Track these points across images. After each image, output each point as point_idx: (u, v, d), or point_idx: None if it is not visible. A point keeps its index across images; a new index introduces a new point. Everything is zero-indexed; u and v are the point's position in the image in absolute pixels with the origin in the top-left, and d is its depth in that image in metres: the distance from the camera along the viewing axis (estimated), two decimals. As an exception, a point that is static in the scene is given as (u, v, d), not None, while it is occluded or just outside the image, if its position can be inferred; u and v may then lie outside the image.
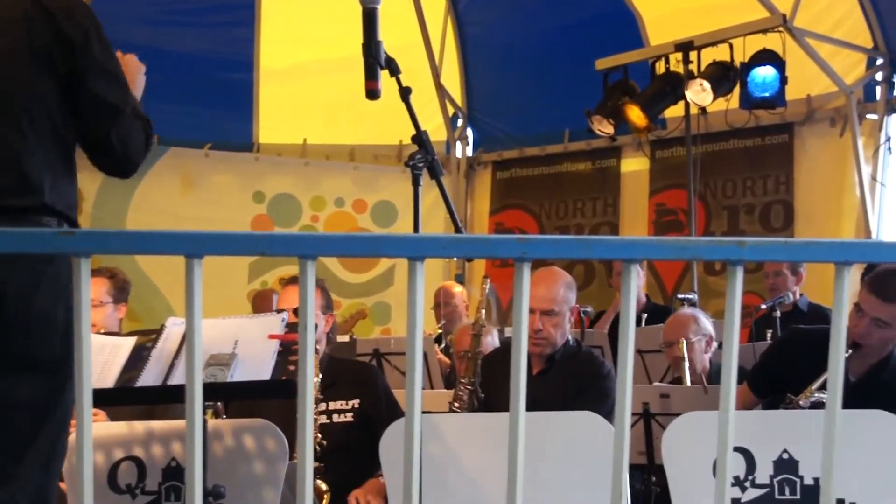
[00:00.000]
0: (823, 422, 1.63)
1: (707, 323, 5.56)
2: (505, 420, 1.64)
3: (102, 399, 3.25)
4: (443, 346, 7.40)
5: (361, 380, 4.65)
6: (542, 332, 4.72)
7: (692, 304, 6.47)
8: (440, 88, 10.81)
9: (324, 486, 4.14)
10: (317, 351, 4.60)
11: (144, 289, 9.94)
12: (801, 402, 4.03)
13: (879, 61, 8.84)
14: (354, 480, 4.40)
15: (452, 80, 10.98)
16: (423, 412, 1.69)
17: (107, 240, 1.61)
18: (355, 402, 4.57)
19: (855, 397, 3.57)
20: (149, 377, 3.17)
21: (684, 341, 5.36)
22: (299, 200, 10.84)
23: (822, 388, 3.95)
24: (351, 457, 4.48)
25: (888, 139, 8.82)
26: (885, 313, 4.18)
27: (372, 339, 7.63)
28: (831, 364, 1.63)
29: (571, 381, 4.65)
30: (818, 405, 3.98)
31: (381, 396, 4.59)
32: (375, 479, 4.37)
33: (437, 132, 10.79)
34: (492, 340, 5.90)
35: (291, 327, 3.23)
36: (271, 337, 3.19)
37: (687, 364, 5.33)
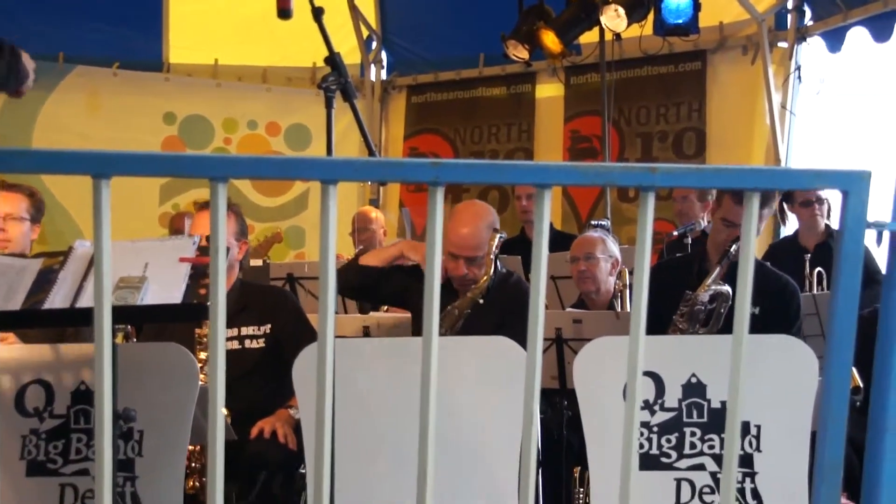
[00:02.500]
0: (730, 347, 1.66)
1: (614, 246, 5.66)
2: (418, 344, 1.64)
3: (8, 322, 3.20)
4: None
5: (273, 304, 4.62)
6: (468, 276, 4.74)
7: (606, 229, 6.53)
8: (354, 10, 10.66)
9: (224, 411, 4.13)
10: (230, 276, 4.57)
11: (53, 211, 9.76)
12: (699, 297, 4.38)
13: (790, -11, 8.92)
14: (265, 408, 4.39)
15: (367, 1, 10.85)
16: (337, 336, 1.68)
17: (11, 158, 1.57)
18: (267, 328, 4.54)
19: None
20: (56, 299, 3.12)
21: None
22: (211, 122, 10.67)
23: (715, 281, 4.40)
24: (262, 384, 4.47)
25: (798, 68, 8.93)
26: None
27: (286, 263, 7.60)
28: (739, 289, 1.65)
29: (502, 309, 4.69)
30: (717, 296, 4.38)
31: (293, 321, 4.56)
32: (285, 410, 4.36)
33: (351, 55, 10.66)
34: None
35: (203, 251, 3.19)
36: (182, 260, 3.15)
37: (604, 285, 5.52)
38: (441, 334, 4.57)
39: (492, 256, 4.75)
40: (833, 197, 6.51)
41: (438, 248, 1.62)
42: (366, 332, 5.02)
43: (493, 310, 4.71)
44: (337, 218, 1.61)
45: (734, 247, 4.39)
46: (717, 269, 4.43)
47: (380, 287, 4.91)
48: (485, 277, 4.74)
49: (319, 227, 1.60)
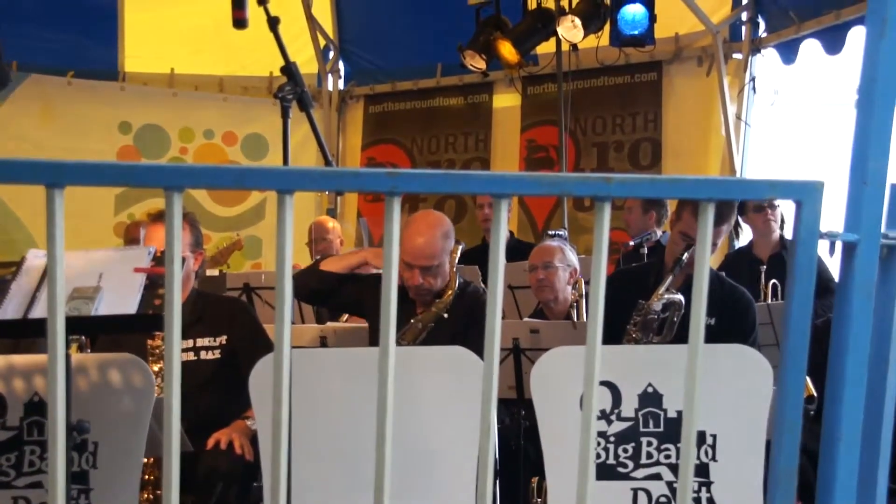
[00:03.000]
0: (686, 356, 1.67)
1: (573, 256, 5.69)
2: (375, 354, 1.64)
3: (-40, 333, 3.16)
4: None
5: (229, 315, 4.59)
6: (423, 286, 4.74)
7: (563, 239, 6.56)
8: (311, 20, 10.64)
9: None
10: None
11: (5, 220, 9.67)
12: (653, 306, 4.43)
13: (745, 1, 8.99)
14: (221, 420, 4.36)
15: (324, 11, 10.83)
16: (294, 346, 1.68)
17: (-38, 169, 1.55)
18: (223, 339, 4.51)
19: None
20: (8, 310, 3.09)
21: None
22: (167, 132, 10.60)
23: (668, 289, 4.45)
24: (218, 396, 4.44)
25: (753, 79, 9.00)
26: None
27: (242, 273, 7.56)
28: (694, 298, 1.66)
29: (460, 320, 4.72)
30: (669, 305, 4.43)
31: (249, 332, 4.54)
32: (241, 421, 4.33)
33: (308, 65, 10.64)
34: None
35: (158, 261, 3.17)
36: (137, 270, 3.13)
37: (562, 293, 5.55)
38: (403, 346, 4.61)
39: (454, 269, 4.79)
40: (787, 207, 6.56)
41: (395, 258, 1.62)
42: (323, 342, 5.00)
43: (454, 322, 4.73)
44: (294, 228, 1.61)
45: (685, 255, 4.42)
46: (670, 278, 4.46)
47: (337, 293, 4.91)
48: (449, 292, 4.78)
49: (276, 237, 1.60)
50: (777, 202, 6.73)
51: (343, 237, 7.86)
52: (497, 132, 10.47)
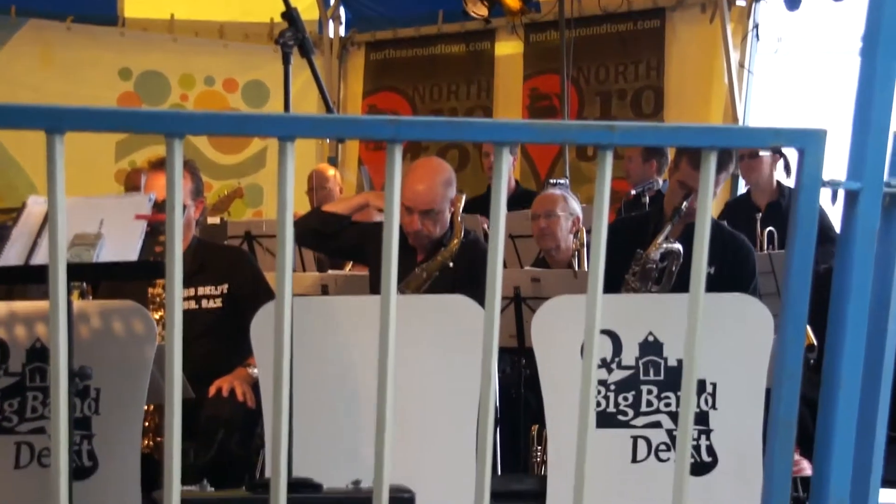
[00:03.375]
0: (687, 305, 1.67)
1: (576, 205, 5.66)
2: (376, 302, 1.64)
3: (-40, 279, 3.16)
4: None
5: (230, 264, 4.59)
6: (423, 231, 4.75)
7: (565, 188, 6.52)
8: (312, -36, 10.57)
9: None
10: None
11: (6, 165, 9.64)
12: (651, 255, 4.40)
13: (747, -54, 8.92)
14: (223, 368, 4.37)
15: (325, -45, 10.75)
16: (296, 294, 1.68)
17: (-38, 115, 1.55)
18: (224, 287, 4.51)
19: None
20: (10, 256, 3.09)
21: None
22: (167, 78, 10.51)
23: (667, 238, 4.41)
24: (219, 344, 4.44)
25: (756, 26, 8.93)
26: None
27: (243, 221, 7.47)
28: (696, 248, 1.66)
29: (462, 269, 4.71)
30: (668, 254, 4.39)
31: (250, 280, 4.54)
32: (243, 368, 4.34)
33: (308, 11, 10.52)
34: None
35: (159, 207, 3.16)
36: (138, 217, 3.12)
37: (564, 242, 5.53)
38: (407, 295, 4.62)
39: (460, 219, 4.78)
40: (791, 155, 6.52)
41: (397, 206, 1.61)
42: (324, 290, 5.00)
43: (458, 271, 4.73)
44: (294, 176, 1.61)
45: (684, 204, 4.41)
46: (668, 227, 4.44)
47: (339, 236, 4.95)
48: (455, 241, 4.75)
49: (277, 184, 1.60)
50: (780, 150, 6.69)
51: (343, 185, 7.82)
52: (499, 80, 10.36)
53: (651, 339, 3.02)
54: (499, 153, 1.62)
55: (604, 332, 3.00)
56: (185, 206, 4.34)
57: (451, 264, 4.72)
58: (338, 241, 5.00)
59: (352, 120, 1.60)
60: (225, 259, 4.62)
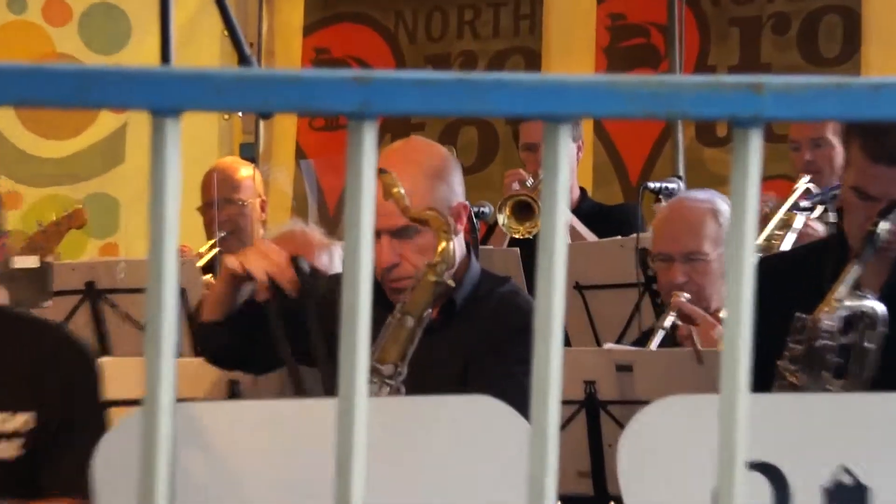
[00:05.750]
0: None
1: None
2: (326, 409, 0.94)
3: None
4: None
5: (42, 365, 2.58)
6: (399, 269, 2.84)
7: (669, 195, 4.40)
8: None
9: None
10: None
11: None
12: (821, 323, 2.65)
13: None
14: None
15: None
16: (180, 399, 1.00)
17: None
18: (27, 419, 2.53)
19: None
20: None
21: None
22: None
23: (853, 292, 2.61)
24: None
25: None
26: None
27: (84, 262, 5.11)
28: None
29: (478, 338, 2.94)
30: (856, 321, 2.65)
31: (78, 398, 2.60)
32: None
33: None
34: (328, 261, 3.72)
35: None
36: None
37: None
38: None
39: (455, 237, 2.89)
40: None
41: (366, 228, 0.96)
42: (232, 391, 3.11)
43: (467, 332, 2.96)
44: (181, 180, 0.96)
45: (882, 226, 2.66)
46: (853, 270, 2.65)
47: (261, 348, 2.92)
48: (443, 268, 2.77)
49: (149, 195, 0.95)
50: None
51: (267, 195, 5.37)
52: (554, 2, 6.68)
53: (847, 480, 1.88)
54: (552, 137, 0.97)
55: (755, 466, 1.91)
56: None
57: (452, 304, 2.96)
58: (268, 354, 2.91)
59: (286, 78, 0.97)
60: (33, 354, 2.60)
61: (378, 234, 2.77)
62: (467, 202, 3.02)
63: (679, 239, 3.51)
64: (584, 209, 4.98)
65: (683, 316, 3.41)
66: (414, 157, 2.98)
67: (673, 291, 3.45)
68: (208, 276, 4.56)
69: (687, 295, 3.44)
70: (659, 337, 3.40)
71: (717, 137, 6.18)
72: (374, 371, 2.58)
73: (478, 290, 2.98)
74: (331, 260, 3.66)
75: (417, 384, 2.66)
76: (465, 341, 2.92)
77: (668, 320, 3.42)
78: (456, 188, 2.99)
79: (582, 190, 5.23)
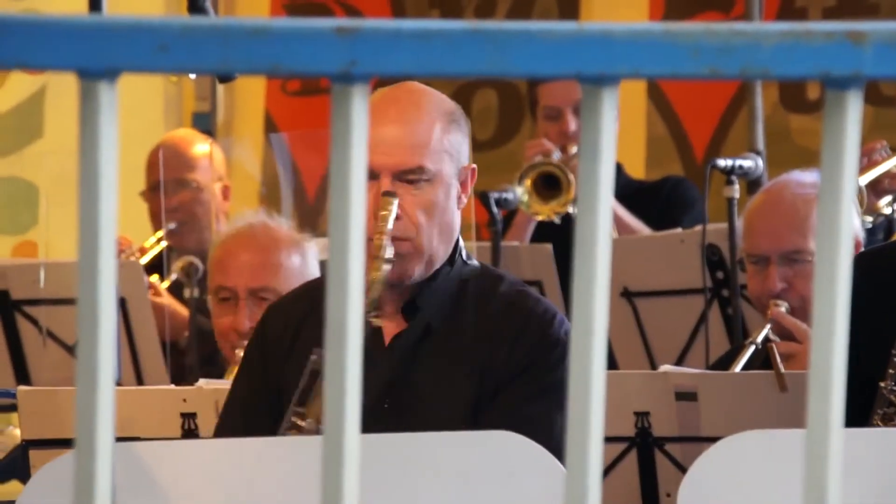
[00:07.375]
0: None
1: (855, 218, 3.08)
2: (310, 446, 0.85)
3: None
4: (172, 279, 4.08)
5: None
6: (400, 225, 2.26)
7: (744, 175, 3.70)
8: None
9: None
10: None
11: None
12: None
13: None
14: None
15: None
16: (120, 438, 0.83)
17: None
18: None
19: None
20: None
21: None
22: None
23: None
24: None
25: None
26: None
27: None
28: None
29: (486, 355, 2.38)
30: None
31: None
32: None
33: None
34: (299, 262, 3.26)
35: None
36: None
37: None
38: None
39: (455, 204, 2.43)
40: None
41: (359, 221, 0.78)
42: (188, 429, 2.73)
43: (459, 355, 2.41)
44: (119, 158, 0.79)
45: None
46: None
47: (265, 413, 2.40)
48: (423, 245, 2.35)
49: (77, 179, 0.79)
50: None
51: (229, 178, 4.48)
52: None
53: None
54: (592, 104, 0.79)
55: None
56: None
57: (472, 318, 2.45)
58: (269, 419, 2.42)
59: (250, 29, 0.79)
60: None
61: (380, 173, 2.31)
62: (473, 165, 2.47)
63: (778, 235, 2.97)
64: (619, 188, 3.67)
65: (781, 331, 2.88)
66: (421, 100, 2.43)
67: (770, 301, 2.93)
68: (154, 278, 3.99)
69: (786, 304, 2.93)
70: (747, 355, 2.86)
71: (806, 102, 5.16)
72: (293, 427, 2.04)
73: (466, 278, 2.44)
74: (303, 261, 3.18)
75: (405, 419, 2.21)
76: (466, 358, 2.39)
77: (762, 335, 2.88)
78: (464, 146, 2.45)
79: (618, 166, 4.25)
